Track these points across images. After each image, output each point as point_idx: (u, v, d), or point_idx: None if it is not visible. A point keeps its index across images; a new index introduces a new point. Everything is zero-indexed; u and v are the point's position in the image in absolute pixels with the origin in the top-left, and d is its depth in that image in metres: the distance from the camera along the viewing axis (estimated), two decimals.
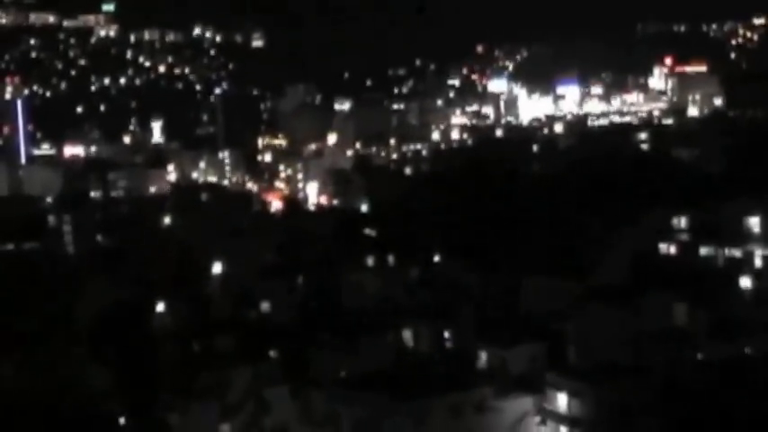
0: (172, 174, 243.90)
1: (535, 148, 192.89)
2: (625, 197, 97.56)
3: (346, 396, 64.27)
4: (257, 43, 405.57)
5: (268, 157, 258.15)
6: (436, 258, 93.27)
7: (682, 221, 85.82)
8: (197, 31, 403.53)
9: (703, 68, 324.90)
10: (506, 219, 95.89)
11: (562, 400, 62.13)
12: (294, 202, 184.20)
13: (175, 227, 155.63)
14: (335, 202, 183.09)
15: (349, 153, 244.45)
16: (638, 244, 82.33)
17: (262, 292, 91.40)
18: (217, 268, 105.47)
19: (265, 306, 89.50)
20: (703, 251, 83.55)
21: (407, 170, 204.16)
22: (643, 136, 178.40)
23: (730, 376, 59.62)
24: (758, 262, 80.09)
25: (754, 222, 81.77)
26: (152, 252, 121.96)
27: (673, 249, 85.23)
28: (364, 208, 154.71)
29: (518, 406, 63.44)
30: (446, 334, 75.13)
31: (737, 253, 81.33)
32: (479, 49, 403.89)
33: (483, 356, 70.24)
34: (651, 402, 58.75)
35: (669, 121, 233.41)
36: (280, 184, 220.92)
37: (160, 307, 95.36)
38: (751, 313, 66.52)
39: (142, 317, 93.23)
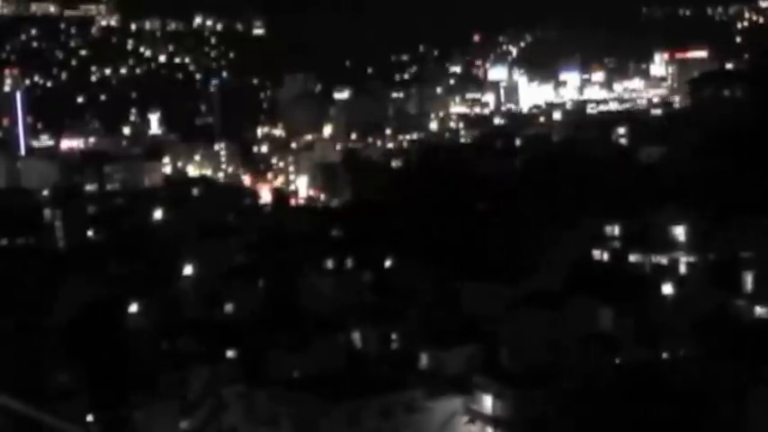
0: (168, 166, 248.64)
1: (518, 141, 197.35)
2: (569, 201, 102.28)
3: (287, 396, 69.38)
4: (258, 31, 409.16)
5: (265, 148, 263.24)
6: (390, 261, 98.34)
7: (615, 229, 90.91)
8: (198, 19, 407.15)
9: (704, 54, 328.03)
10: (456, 221, 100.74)
11: (487, 402, 67.18)
12: (282, 197, 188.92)
13: (161, 222, 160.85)
14: (322, 197, 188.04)
15: (341, 145, 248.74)
16: (574, 249, 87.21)
17: (227, 293, 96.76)
18: (190, 267, 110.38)
19: (229, 307, 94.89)
20: (633, 258, 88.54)
21: (398, 162, 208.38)
22: (622, 131, 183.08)
23: (646, 380, 64.40)
24: (683, 269, 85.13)
25: (679, 231, 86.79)
26: (132, 249, 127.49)
27: (606, 256, 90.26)
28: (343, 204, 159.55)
29: (448, 406, 68.49)
30: (393, 336, 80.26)
31: (664, 260, 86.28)
32: (476, 37, 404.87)
33: (424, 358, 75.56)
34: (568, 405, 63.62)
35: (658, 112, 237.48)
36: (272, 177, 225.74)
37: (134, 305, 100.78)
38: (672, 318, 71.25)
39: (114, 316, 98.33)
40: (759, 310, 73.28)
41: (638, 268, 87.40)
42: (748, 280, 75.17)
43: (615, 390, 64.08)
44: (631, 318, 70.74)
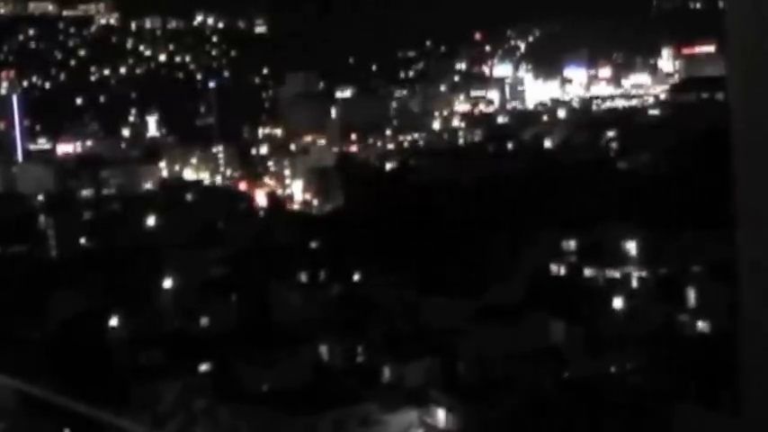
0: (165, 170, 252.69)
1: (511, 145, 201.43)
2: (536, 213, 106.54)
3: (247, 411, 73.52)
4: (260, 29, 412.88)
5: (264, 150, 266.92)
6: (359, 274, 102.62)
7: (571, 243, 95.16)
8: (199, 17, 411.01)
9: (712, 49, 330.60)
10: (422, 233, 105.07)
11: (441, 415, 71.28)
12: (276, 202, 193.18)
13: (154, 229, 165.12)
14: (315, 202, 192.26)
15: (337, 148, 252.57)
16: (534, 263, 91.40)
17: (202, 306, 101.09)
18: (169, 279, 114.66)
19: (205, 320, 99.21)
20: (588, 272, 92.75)
21: (394, 165, 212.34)
22: (611, 134, 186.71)
23: (591, 393, 68.41)
24: (634, 283, 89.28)
25: (632, 245, 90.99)
26: (121, 259, 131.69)
27: (562, 269, 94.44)
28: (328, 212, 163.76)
29: (403, 419, 72.52)
30: (358, 349, 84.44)
31: (617, 274, 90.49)
32: (477, 35, 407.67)
33: (386, 371, 79.77)
34: (516, 419, 67.67)
35: (656, 112, 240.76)
36: (268, 180, 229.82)
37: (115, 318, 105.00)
38: (621, 332, 75.30)
39: (95, 329, 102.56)
40: (701, 324, 77.20)
41: (593, 282, 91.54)
42: (692, 295, 79.02)
43: (560, 403, 68.03)
44: (582, 331, 74.70)
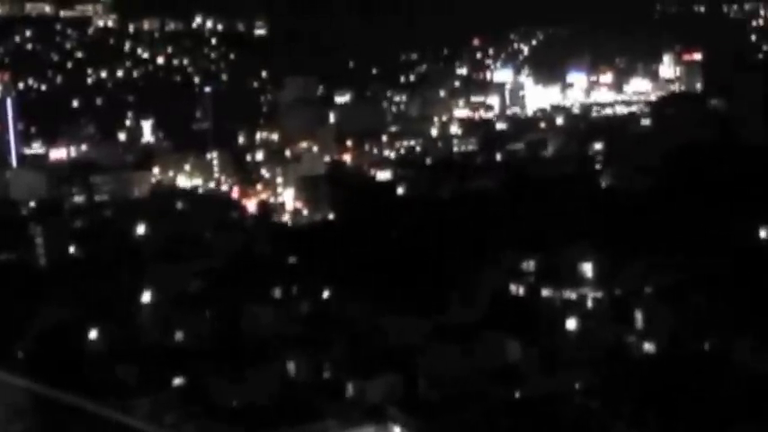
0: (158, 176, 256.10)
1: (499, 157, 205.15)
2: (505, 232, 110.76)
3: (211, 427, 77.75)
4: (260, 32, 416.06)
5: (260, 156, 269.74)
6: (328, 291, 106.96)
7: (531, 264, 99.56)
8: (198, 20, 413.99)
9: None
10: (398, 250, 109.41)
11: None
12: (266, 211, 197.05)
13: (142, 239, 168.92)
14: (305, 212, 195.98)
15: (330, 156, 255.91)
16: (495, 283, 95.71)
17: (178, 321, 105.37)
18: (148, 292, 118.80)
19: (180, 334, 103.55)
20: (546, 292, 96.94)
21: (386, 174, 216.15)
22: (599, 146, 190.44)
23: (543, 412, 72.51)
24: (589, 303, 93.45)
25: (587, 267, 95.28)
26: (107, 269, 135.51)
27: (521, 290, 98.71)
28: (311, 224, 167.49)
29: None
30: (324, 366, 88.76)
31: (573, 295, 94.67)
32: (475, 41, 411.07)
33: (349, 387, 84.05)
34: None
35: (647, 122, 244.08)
36: (261, 188, 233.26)
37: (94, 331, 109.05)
38: (576, 351, 79.46)
39: (74, 341, 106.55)
40: (647, 346, 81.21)
41: (550, 302, 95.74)
42: (639, 317, 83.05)
43: (512, 421, 72.16)
44: (537, 351, 78.85)
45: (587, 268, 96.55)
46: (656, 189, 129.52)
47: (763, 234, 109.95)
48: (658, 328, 79.72)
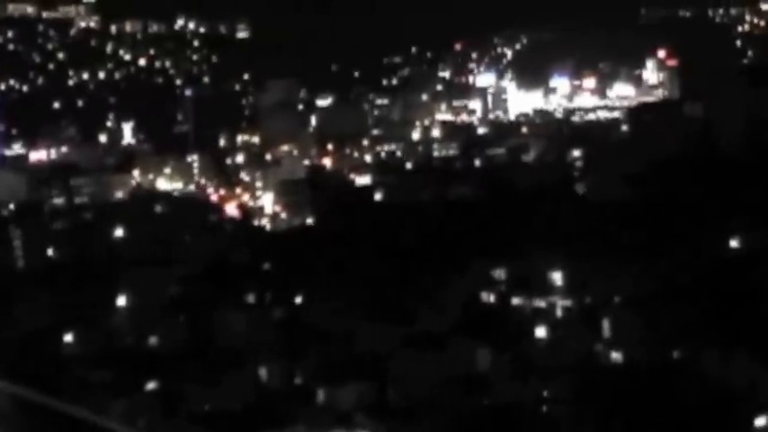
0: (138, 179, 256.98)
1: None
2: (478, 239, 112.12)
3: (180, 429, 78.90)
4: (242, 34, 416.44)
5: (240, 159, 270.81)
6: (301, 297, 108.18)
7: (502, 272, 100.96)
8: (180, 21, 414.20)
9: None
10: (372, 257, 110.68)
11: None
12: (245, 215, 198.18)
13: (119, 242, 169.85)
14: (284, 215, 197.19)
15: (309, 160, 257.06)
16: (466, 291, 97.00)
17: (154, 325, 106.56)
18: (124, 297, 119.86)
19: (154, 339, 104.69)
20: (516, 301, 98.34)
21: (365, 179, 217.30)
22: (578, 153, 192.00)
23: (513, 420, 73.81)
24: (559, 312, 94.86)
25: (558, 276, 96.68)
26: (84, 273, 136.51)
27: (492, 298, 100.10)
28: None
29: None
30: (297, 372, 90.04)
31: (543, 303, 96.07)
32: (457, 46, 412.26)
33: (321, 394, 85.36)
34: None
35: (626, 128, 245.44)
36: (240, 192, 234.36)
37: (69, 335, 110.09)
38: (546, 359, 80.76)
39: (49, 346, 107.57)
40: (616, 355, 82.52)
41: (520, 311, 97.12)
42: (608, 326, 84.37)
43: (482, 430, 73.45)
44: (507, 359, 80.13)
45: (558, 277, 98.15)
46: (630, 198, 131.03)
47: (733, 244, 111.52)
48: (627, 337, 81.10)
